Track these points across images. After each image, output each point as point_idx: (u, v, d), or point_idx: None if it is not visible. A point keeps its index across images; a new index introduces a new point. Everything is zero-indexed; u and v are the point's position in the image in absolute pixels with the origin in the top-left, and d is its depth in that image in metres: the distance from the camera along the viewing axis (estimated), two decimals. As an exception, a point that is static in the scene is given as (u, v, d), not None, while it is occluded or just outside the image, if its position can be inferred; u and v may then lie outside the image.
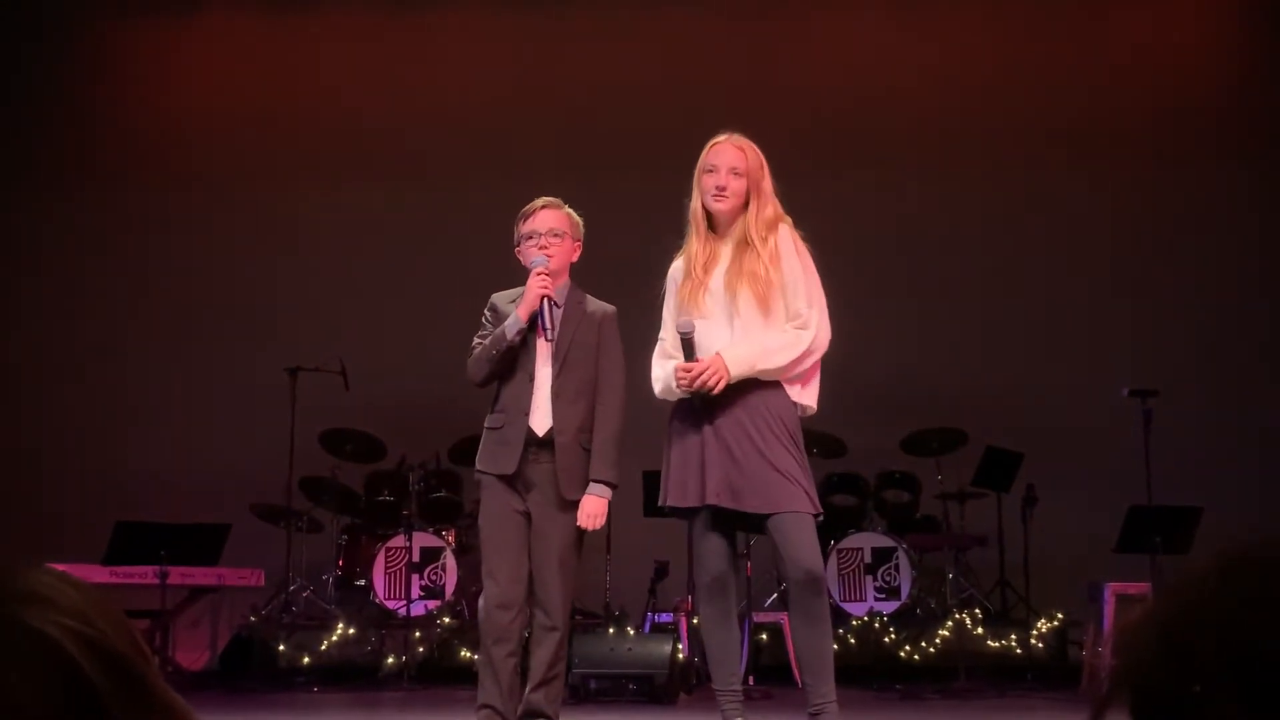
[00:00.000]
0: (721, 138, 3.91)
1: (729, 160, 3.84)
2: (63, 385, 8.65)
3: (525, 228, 4.14)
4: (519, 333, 4.01)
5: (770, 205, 3.86)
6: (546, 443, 4.01)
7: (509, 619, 3.96)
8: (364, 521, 7.75)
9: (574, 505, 4.01)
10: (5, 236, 8.94)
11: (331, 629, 7.11)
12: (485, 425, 4.13)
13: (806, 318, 3.77)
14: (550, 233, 4.10)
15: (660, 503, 3.89)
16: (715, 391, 3.67)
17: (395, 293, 8.57)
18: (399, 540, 7.35)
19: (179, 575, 6.85)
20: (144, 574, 6.75)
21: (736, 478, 3.69)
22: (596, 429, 4.04)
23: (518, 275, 4.18)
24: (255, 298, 8.66)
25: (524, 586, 4.01)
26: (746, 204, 3.86)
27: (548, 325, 4.00)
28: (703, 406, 3.73)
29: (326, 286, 8.66)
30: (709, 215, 3.90)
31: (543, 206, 4.15)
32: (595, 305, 4.17)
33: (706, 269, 3.83)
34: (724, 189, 3.82)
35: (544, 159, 8.30)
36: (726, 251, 3.85)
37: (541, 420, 4.02)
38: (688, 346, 3.71)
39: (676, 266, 3.96)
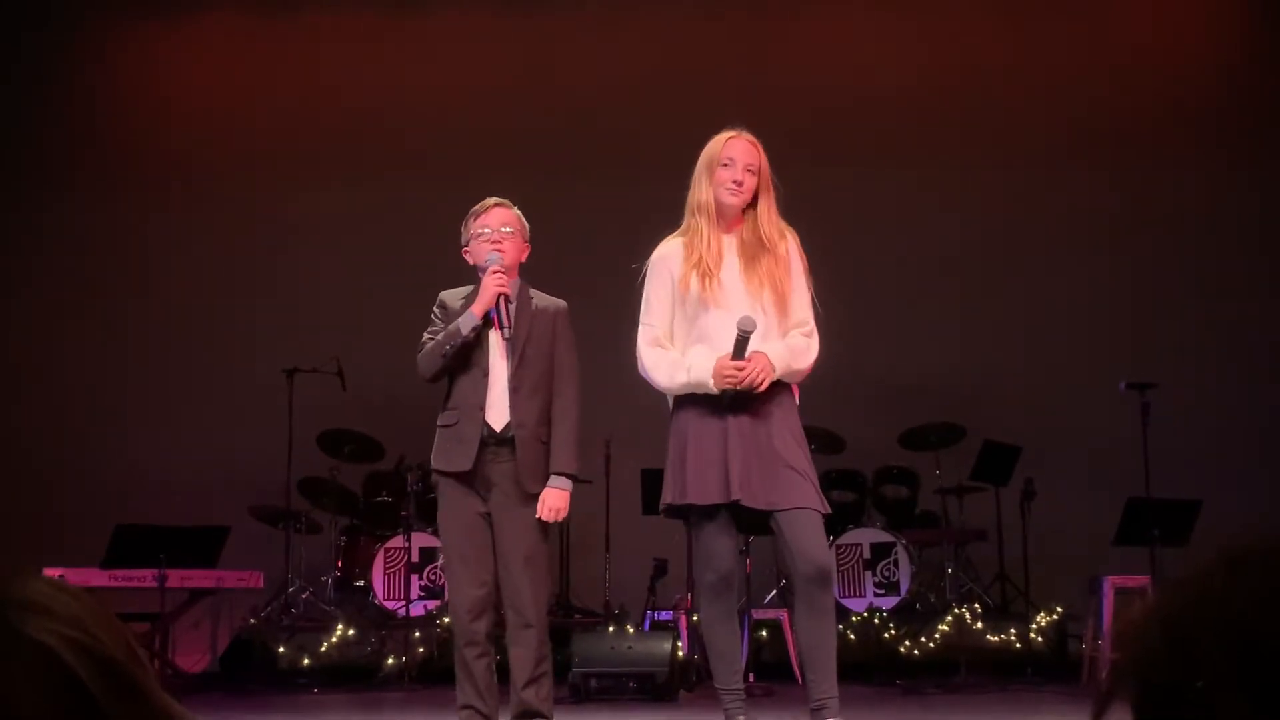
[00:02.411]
0: (733, 132, 3.90)
1: (746, 157, 3.85)
2: (59, 388, 8.63)
3: (476, 225, 4.15)
4: (474, 329, 4.02)
5: (775, 207, 3.88)
6: (505, 439, 4.00)
7: (472, 621, 3.97)
8: (363, 522, 7.74)
9: (536, 499, 4.00)
10: (4, 237, 8.93)
11: (331, 630, 7.11)
12: (438, 423, 4.13)
13: (812, 326, 3.83)
14: (502, 228, 4.12)
15: (669, 500, 3.82)
16: (760, 390, 3.67)
17: (392, 293, 8.53)
18: (398, 541, 7.35)
19: (178, 578, 6.83)
20: (143, 577, 6.73)
21: (756, 475, 3.69)
22: (555, 422, 4.05)
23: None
24: (252, 298, 8.66)
25: (487, 589, 3.99)
26: (753, 201, 3.87)
27: (505, 323, 4.02)
28: (732, 404, 3.71)
29: (323, 287, 8.65)
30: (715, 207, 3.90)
31: (495, 204, 4.18)
32: (545, 300, 4.18)
33: (715, 261, 3.82)
34: (740, 183, 3.83)
35: (542, 157, 8.30)
36: (731, 246, 3.85)
37: (498, 416, 4.02)
38: (742, 344, 3.66)
39: (668, 252, 3.89)
